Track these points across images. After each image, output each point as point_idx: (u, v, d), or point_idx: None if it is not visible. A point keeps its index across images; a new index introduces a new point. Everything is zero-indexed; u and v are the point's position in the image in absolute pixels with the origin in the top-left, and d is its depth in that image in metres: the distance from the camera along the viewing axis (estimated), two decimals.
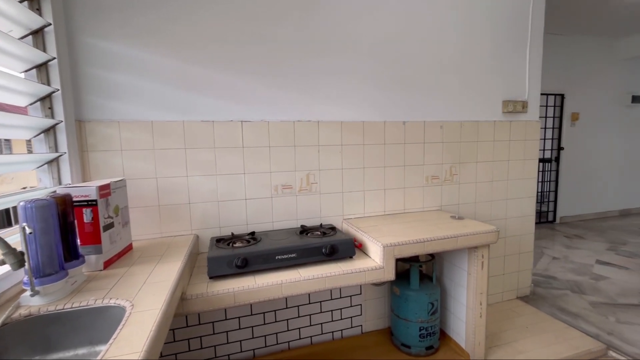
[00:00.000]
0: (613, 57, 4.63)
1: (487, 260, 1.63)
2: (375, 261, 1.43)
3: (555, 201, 4.55)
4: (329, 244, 1.40)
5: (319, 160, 1.78)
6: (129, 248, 1.34)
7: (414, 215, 1.91)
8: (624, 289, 2.52)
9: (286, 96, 1.71)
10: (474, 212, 2.19)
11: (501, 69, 2.15)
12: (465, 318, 1.72)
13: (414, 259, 1.77)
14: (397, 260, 1.45)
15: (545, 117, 4.38)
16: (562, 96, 4.38)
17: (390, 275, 1.41)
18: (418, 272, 1.74)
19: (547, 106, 4.36)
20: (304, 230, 1.63)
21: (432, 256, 1.81)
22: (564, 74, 4.35)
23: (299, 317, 1.82)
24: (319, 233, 1.56)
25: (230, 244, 1.44)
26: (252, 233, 1.59)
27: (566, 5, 3.37)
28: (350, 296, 1.92)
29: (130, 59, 1.47)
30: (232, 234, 1.58)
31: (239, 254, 1.31)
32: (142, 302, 0.87)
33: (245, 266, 1.30)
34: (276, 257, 1.35)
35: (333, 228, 1.65)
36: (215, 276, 1.27)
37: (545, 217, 4.59)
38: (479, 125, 2.12)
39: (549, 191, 4.58)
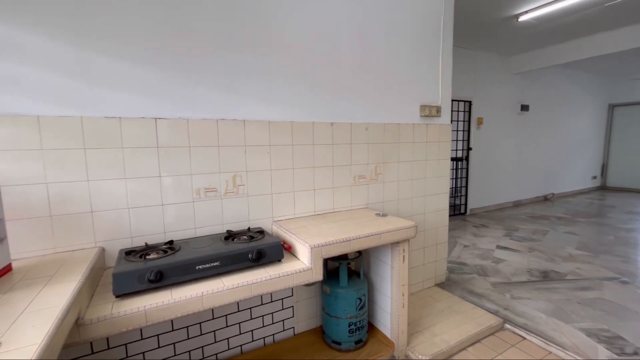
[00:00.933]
0: (508, 71, 5.43)
1: (407, 254, 1.75)
2: (303, 263, 1.43)
3: (465, 195, 5.17)
4: (256, 249, 1.35)
5: (246, 161, 1.71)
6: (6, 270, 1.10)
7: (343, 214, 1.96)
8: (516, 269, 2.97)
9: (208, 93, 1.59)
10: (397, 209, 2.34)
11: (418, 76, 2.33)
12: (390, 309, 1.83)
13: (343, 257, 1.82)
14: (327, 259, 1.47)
15: (457, 120, 4.94)
16: (470, 103, 4.98)
17: (319, 275, 1.42)
18: (346, 270, 1.80)
19: (458, 111, 4.91)
20: (230, 236, 1.54)
21: (359, 253, 1.88)
22: (471, 83, 4.96)
23: (227, 326, 1.73)
24: (246, 238, 1.50)
25: (143, 256, 1.29)
26: (170, 242, 1.45)
27: (471, 24, 3.83)
28: (282, 299, 1.89)
29: (4, 41, 1.21)
30: (146, 244, 1.42)
31: (153, 266, 1.17)
32: (15, 339, 0.72)
33: (160, 280, 1.17)
34: (197, 267, 1.25)
35: (261, 232, 1.60)
36: (122, 294, 1.12)
37: (458, 210, 5.17)
38: (400, 128, 2.28)
39: (461, 187, 5.18)
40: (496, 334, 2.02)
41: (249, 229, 1.66)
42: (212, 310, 1.68)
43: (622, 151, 7.32)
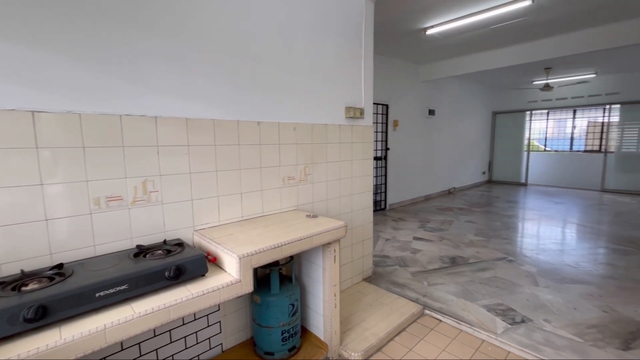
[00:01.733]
0: (417, 79, 6.03)
1: (338, 254, 1.76)
2: (231, 275, 1.31)
3: (385, 192, 5.57)
4: (174, 265, 1.18)
5: (160, 163, 1.49)
6: None
7: (273, 218, 1.88)
8: (430, 257, 3.30)
9: (108, 82, 1.34)
10: (326, 209, 2.36)
11: (343, 78, 2.39)
12: (322, 311, 1.82)
13: (274, 264, 1.74)
14: (257, 267, 1.37)
15: (376, 122, 5.28)
16: (387, 106, 5.38)
17: (249, 287, 1.32)
18: (278, 276, 1.72)
19: (377, 114, 5.25)
20: (142, 252, 1.32)
21: (291, 257, 1.83)
22: (388, 88, 5.35)
23: (140, 356, 1.49)
24: (162, 253, 1.30)
25: (17, 288, 1.01)
26: (59, 266, 1.17)
27: (387, 33, 4.12)
28: (207, 315, 1.72)
29: None
30: (22, 271, 1.11)
31: (30, 301, 0.92)
32: None
33: (43, 317, 0.92)
34: (97, 295, 1.02)
35: (180, 244, 1.42)
36: None
37: (379, 206, 5.54)
38: (327, 128, 2.29)
39: (381, 184, 5.56)
40: (418, 321, 2.20)
41: (164, 241, 1.45)
42: (121, 342, 1.42)
43: (502, 151, 8.85)
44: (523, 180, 8.53)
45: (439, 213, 5.30)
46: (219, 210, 1.73)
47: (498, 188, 7.99)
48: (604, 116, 7.46)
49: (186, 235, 1.60)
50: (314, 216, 1.90)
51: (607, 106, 7.21)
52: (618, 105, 7.02)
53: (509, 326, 2.06)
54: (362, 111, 2.54)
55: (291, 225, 1.70)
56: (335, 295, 1.78)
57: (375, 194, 5.65)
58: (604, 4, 3.34)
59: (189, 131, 1.58)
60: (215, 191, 1.71)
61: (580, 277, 2.78)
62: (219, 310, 1.76)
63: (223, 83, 1.70)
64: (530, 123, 8.53)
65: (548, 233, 4.18)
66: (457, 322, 2.12)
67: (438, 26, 3.91)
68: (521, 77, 7.06)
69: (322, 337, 1.86)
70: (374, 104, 5.03)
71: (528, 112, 8.37)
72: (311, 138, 2.19)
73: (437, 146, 6.76)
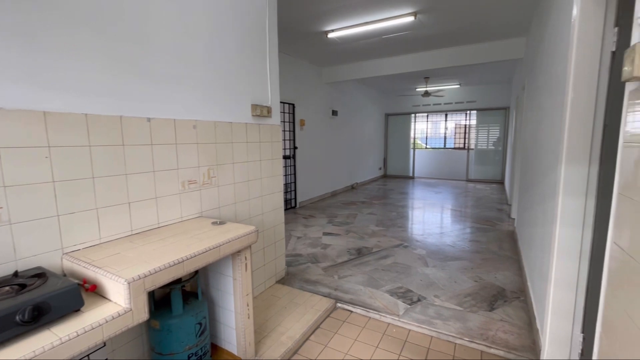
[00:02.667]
0: (321, 80, 6.26)
1: (250, 261, 1.66)
2: (118, 304, 1.08)
3: (295, 190, 5.62)
4: (30, 305, 0.90)
5: (4, 172, 1.13)
6: None
7: (172, 229, 1.65)
8: (339, 251, 3.47)
9: None
10: (235, 213, 2.21)
11: (248, 75, 2.26)
12: (234, 324, 1.70)
13: (175, 281, 1.52)
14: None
15: (284, 121, 5.26)
16: (293, 105, 5.42)
17: (143, 315, 1.11)
18: (181, 294, 1.52)
19: (284, 112, 5.24)
20: None
21: (196, 271, 1.64)
22: (294, 88, 5.40)
23: None
24: (9, 290, 0.98)
25: None
26: None
27: (291, 33, 4.13)
28: (88, 355, 1.39)
29: None
30: None
31: None
32: None
33: None
34: None
35: (41, 274, 1.10)
36: None
37: (289, 205, 5.56)
38: (232, 127, 2.14)
39: (291, 182, 5.59)
40: (331, 315, 2.26)
41: (16, 273, 1.10)
42: None
43: (394, 148, 10.01)
44: (411, 174, 9.82)
45: (345, 207, 5.64)
46: (99, 226, 1.42)
47: (392, 182, 8.99)
48: (466, 120, 9.18)
49: (51, 261, 1.26)
50: (221, 223, 1.74)
51: (468, 111, 8.89)
52: (475, 111, 8.72)
53: (409, 306, 2.31)
54: (269, 110, 2.47)
55: (195, 236, 1.52)
56: (248, 306, 1.67)
57: (286, 192, 5.65)
58: (468, 28, 4.06)
59: (48, 128, 1.23)
60: (93, 202, 1.39)
61: (457, 254, 3.33)
62: (104, 346, 1.45)
63: (97, 67, 1.39)
64: (415, 124, 9.86)
65: (432, 219, 4.90)
66: (366, 311, 2.27)
67: (338, 31, 4.11)
68: (407, 84, 8.08)
69: (235, 352, 1.73)
70: (281, 102, 5.00)
71: (412, 115, 9.66)
72: (215, 137, 2.01)
73: (340, 145, 7.18)
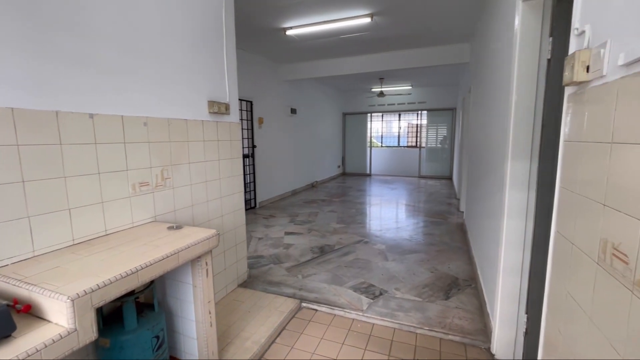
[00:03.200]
0: (279, 78, 6.17)
1: (211, 267, 1.58)
2: (60, 325, 0.95)
3: (255, 190, 5.49)
4: None
5: None
6: None
7: (122, 236, 1.50)
8: (302, 250, 3.45)
9: None
10: (192, 216, 2.08)
11: (205, 70, 2.14)
12: (196, 334, 1.60)
13: (128, 293, 1.39)
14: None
15: (242, 119, 5.10)
16: (251, 102, 5.27)
17: (90, 334, 0.99)
18: (134, 307, 1.39)
19: (242, 110, 5.07)
20: None
21: (152, 281, 1.51)
22: (251, 84, 5.25)
23: None
24: None
25: None
26: None
27: (249, 28, 4.00)
28: None
29: None
30: None
31: None
32: None
33: None
34: None
35: None
36: None
37: (249, 205, 5.41)
38: (188, 124, 2.01)
39: (250, 182, 5.44)
40: (297, 316, 2.24)
41: None
42: None
43: (352, 147, 10.24)
44: (368, 172, 10.12)
45: (306, 206, 5.64)
46: (32, 236, 1.24)
47: (350, 179, 9.19)
48: (417, 119, 9.68)
49: None
50: (178, 227, 1.63)
51: (419, 112, 9.39)
52: (425, 112, 9.24)
53: (372, 301, 2.37)
54: (227, 106, 2.36)
55: (149, 242, 1.40)
56: (210, 313, 1.58)
57: (245, 192, 5.48)
58: (419, 32, 4.26)
59: None
60: (23, 210, 1.21)
61: (414, 247, 3.50)
62: None
63: (19, 54, 1.21)
64: (371, 124, 10.17)
65: (389, 214, 5.09)
66: (331, 308, 2.28)
67: (296, 28, 4.08)
68: (363, 84, 8.30)
69: None
70: (239, 100, 4.83)
71: (369, 114, 9.95)
72: (169, 135, 1.87)
73: (300, 143, 7.15)
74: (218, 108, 2.24)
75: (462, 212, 5.02)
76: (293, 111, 6.61)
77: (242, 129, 5.12)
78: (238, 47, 4.76)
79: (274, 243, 3.69)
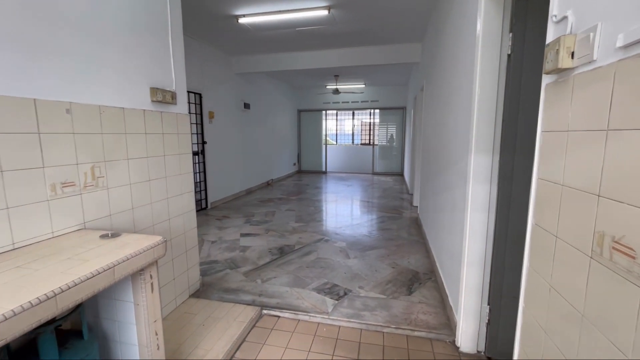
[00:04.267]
0: (231, 70, 5.82)
1: (157, 280, 1.34)
2: None
3: (206, 189, 5.10)
4: None
5: None
6: None
7: (36, 250, 1.20)
8: (260, 252, 3.25)
9: None
10: (133, 221, 1.79)
11: (147, 53, 1.85)
12: None
13: (47, 322, 1.11)
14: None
15: (190, 113, 4.69)
16: (200, 95, 4.88)
17: None
18: (54, 338, 1.11)
19: (189, 103, 4.66)
20: None
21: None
22: (200, 76, 4.85)
23: None
24: None
25: None
26: None
27: (197, 13, 3.65)
28: None
29: None
30: None
31: None
32: None
33: None
34: None
35: None
36: None
37: (199, 206, 5.02)
38: (125, 113, 1.72)
39: (201, 181, 5.05)
40: (257, 324, 2.06)
41: None
42: None
43: (307, 144, 10.14)
44: (324, 169, 10.12)
45: (262, 205, 5.40)
46: None
47: (306, 177, 9.10)
48: (370, 118, 9.91)
49: None
50: (115, 235, 1.36)
51: (372, 110, 9.62)
52: (378, 110, 9.48)
53: (336, 302, 2.28)
54: (173, 95, 2.09)
55: (75, 256, 1.13)
56: (157, 335, 1.35)
57: (195, 192, 5.08)
58: (374, 29, 4.28)
59: None
60: None
61: (374, 243, 3.50)
62: None
63: None
64: (326, 121, 10.17)
65: (347, 211, 5.09)
66: (295, 314, 2.14)
67: (249, 16, 3.83)
68: (318, 81, 8.24)
69: None
70: (187, 91, 4.42)
71: (324, 112, 9.93)
72: (100, 126, 1.57)
73: (254, 139, 6.85)
74: (162, 96, 1.96)
75: (416, 206, 5.20)
76: (246, 106, 6.30)
77: (191, 123, 4.71)
78: (186, 34, 4.38)
79: (229, 246, 3.43)
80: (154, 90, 1.91)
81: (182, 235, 2.25)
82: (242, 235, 3.80)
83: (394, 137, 9.49)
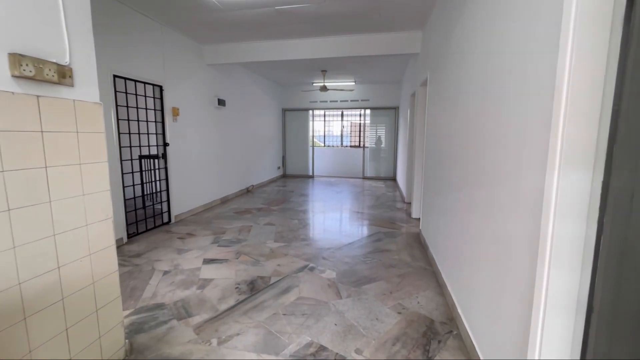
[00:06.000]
0: (202, 61, 5.02)
1: None
2: None
3: (168, 200, 4.28)
4: None
5: None
6: None
7: None
8: (224, 289, 2.48)
9: None
10: None
11: None
12: None
13: None
14: None
15: (146, 109, 3.88)
16: (161, 88, 4.07)
17: None
18: None
19: (145, 96, 3.86)
20: None
21: None
22: (161, 65, 4.05)
23: None
24: None
25: None
26: None
27: None
28: None
29: None
30: None
31: None
32: None
33: None
34: None
35: None
36: None
37: (160, 220, 4.20)
38: None
39: (161, 191, 4.23)
40: None
41: None
42: None
43: (292, 146, 9.39)
44: (310, 173, 9.38)
45: (237, 218, 4.61)
46: None
47: (292, 182, 8.34)
48: (360, 118, 9.25)
49: None
50: None
51: (362, 110, 8.95)
52: (369, 110, 8.82)
53: None
54: (67, 72, 1.32)
55: None
56: None
57: (154, 204, 4.26)
58: (367, 12, 3.59)
59: None
60: None
61: (371, 273, 2.79)
62: None
63: None
64: (313, 122, 9.44)
65: (337, 225, 4.36)
66: None
67: None
68: (304, 77, 7.51)
69: None
70: (141, 82, 3.61)
71: (310, 111, 9.20)
72: None
73: (231, 141, 6.05)
74: (36, 70, 1.19)
75: (416, 219, 4.53)
76: (221, 102, 5.50)
77: (148, 121, 3.90)
78: (143, 14, 3.58)
79: (186, 279, 2.65)
80: (16, 59, 1.13)
81: (89, 287, 1.48)
82: (206, 262, 3.02)
83: (382, 139, 8.84)
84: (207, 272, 2.79)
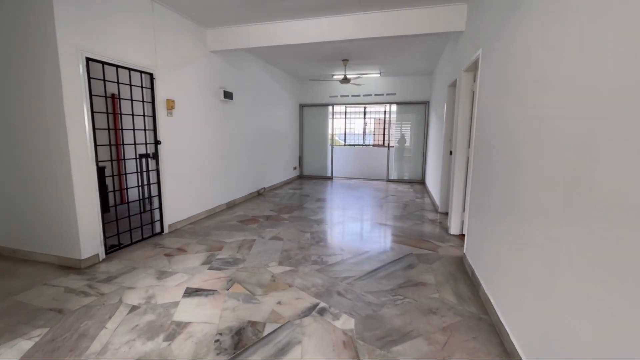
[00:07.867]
0: (204, 47, 4.40)
1: None
2: None
3: (160, 207, 3.69)
4: None
5: None
6: None
7: None
8: (199, 342, 1.80)
9: None
10: None
11: None
12: None
13: None
14: None
15: (133, 100, 3.28)
16: (151, 76, 3.47)
17: None
18: None
19: (131, 85, 3.26)
20: None
21: None
22: (151, 48, 3.45)
23: None
24: None
25: None
26: None
27: None
28: None
29: None
30: None
31: None
32: None
33: None
34: None
35: None
36: None
37: (150, 231, 3.62)
38: None
39: (152, 196, 3.64)
40: None
41: None
42: None
43: (310, 145, 8.68)
44: (329, 174, 8.64)
45: (240, 228, 3.96)
46: None
47: (308, 184, 7.64)
48: (385, 114, 8.38)
49: None
50: None
51: (388, 106, 8.08)
52: (395, 105, 7.95)
53: None
54: None
55: None
56: None
57: (143, 212, 3.69)
58: None
59: None
60: None
61: (404, 324, 2.02)
62: None
63: None
64: (333, 118, 8.68)
65: (357, 242, 3.60)
66: None
67: None
68: (323, 68, 6.77)
69: None
70: (125, 68, 2.99)
71: (330, 106, 8.44)
72: None
73: (240, 139, 5.43)
74: None
75: (456, 236, 3.69)
76: (227, 95, 4.86)
77: (134, 115, 3.30)
78: None
79: (154, 322, 1.99)
80: None
81: None
82: (188, 293, 2.36)
83: (405, 137, 7.94)
84: (185, 311, 2.12)
